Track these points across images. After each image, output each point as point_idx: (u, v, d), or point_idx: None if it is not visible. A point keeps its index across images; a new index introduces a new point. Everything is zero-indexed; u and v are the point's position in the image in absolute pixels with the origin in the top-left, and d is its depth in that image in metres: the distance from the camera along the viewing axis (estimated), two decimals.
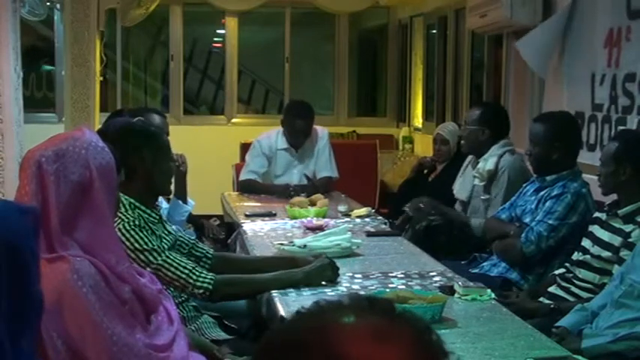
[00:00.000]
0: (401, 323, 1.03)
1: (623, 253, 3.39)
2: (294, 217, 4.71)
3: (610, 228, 3.55)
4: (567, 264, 3.72)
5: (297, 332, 1.04)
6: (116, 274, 2.16)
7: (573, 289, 3.62)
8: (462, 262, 4.40)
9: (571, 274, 3.67)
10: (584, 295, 3.52)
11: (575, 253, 3.71)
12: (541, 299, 3.69)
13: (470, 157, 5.12)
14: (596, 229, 3.63)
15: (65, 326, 2.03)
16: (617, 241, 3.48)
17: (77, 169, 2.14)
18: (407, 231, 4.68)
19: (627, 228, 3.46)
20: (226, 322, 3.47)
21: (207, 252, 3.41)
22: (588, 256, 3.60)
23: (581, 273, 3.61)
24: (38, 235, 1.26)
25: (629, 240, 3.41)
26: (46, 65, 9.27)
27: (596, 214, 3.72)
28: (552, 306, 3.51)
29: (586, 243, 3.65)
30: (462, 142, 5.08)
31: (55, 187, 2.10)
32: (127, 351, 2.10)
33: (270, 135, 5.93)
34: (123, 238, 2.89)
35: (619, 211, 3.52)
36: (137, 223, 2.99)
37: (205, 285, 3.05)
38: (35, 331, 1.29)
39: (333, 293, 3.14)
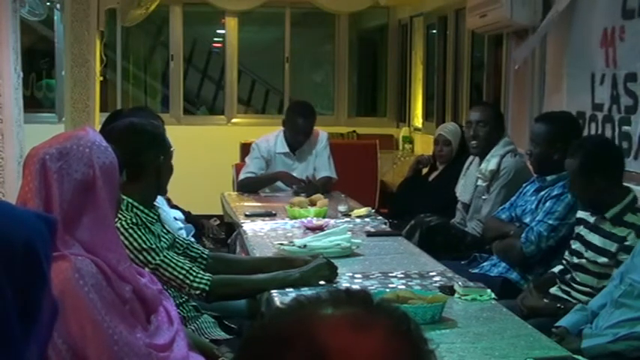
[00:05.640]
0: (378, 313, 1.05)
1: (622, 257, 3.38)
2: (294, 217, 4.71)
3: (600, 232, 3.53)
4: (565, 261, 3.70)
5: (278, 327, 1.05)
6: (117, 273, 2.17)
7: (574, 293, 3.60)
8: (462, 262, 4.40)
9: (569, 276, 3.66)
10: (585, 299, 3.50)
11: (568, 254, 3.69)
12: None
13: (471, 158, 5.11)
14: (585, 232, 3.61)
15: (66, 325, 2.03)
16: (613, 247, 3.46)
17: (80, 168, 2.14)
18: (413, 235, 4.68)
19: (621, 232, 3.44)
20: (226, 322, 3.47)
21: (203, 252, 3.41)
22: (584, 260, 3.58)
23: (579, 277, 3.60)
24: (52, 243, 1.24)
25: (626, 243, 3.40)
26: (48, 79, 9.27)
27: (580, 215, 3.68)
28: (559, 305, 3.49)
29: (577, 246, 3.63)
30: (474, 143, 4.98)
31: (58, 185, 2.11)
32: (128, 350, 2.10)
33: (269, 138, 5.94)
34: (121, 237, 2.89)
35: (606, 215, 3.50)
36: (135, 221, 3.00)
37: (202, 285, 3.05)
38: (48, 337, 1.27)
39: None
